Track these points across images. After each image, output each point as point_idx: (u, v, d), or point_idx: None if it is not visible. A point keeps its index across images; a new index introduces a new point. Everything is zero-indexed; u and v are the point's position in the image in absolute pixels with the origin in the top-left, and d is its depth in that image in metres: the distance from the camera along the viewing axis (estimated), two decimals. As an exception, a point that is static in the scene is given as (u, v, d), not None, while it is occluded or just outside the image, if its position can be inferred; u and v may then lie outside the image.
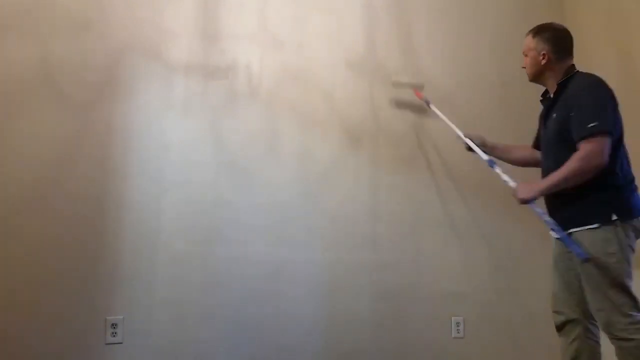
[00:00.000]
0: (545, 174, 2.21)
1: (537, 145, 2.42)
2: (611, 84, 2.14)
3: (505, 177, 2.33)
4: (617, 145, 2.08)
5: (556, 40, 2.22)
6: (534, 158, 2.42)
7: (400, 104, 3.01)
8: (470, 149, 2.58)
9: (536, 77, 2.28)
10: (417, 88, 3.01)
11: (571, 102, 2.10)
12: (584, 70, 2.23)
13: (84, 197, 2.47)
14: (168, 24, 2.70)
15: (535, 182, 2.19)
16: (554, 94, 2.21)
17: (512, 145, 2.60)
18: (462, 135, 2.63)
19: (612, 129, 2.03)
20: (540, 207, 2.20)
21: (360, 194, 2.90)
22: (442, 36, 3.19)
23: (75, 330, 2.39)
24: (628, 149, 2.16)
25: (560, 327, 2.20)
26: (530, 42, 2.26)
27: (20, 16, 2.47)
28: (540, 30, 2.25)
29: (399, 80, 3.01)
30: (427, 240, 2.97)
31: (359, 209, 2.89)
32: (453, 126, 2.73)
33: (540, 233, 3.11)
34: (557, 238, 2.15)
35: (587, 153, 2.00)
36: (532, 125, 3.14)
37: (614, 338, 2.00)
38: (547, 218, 2.13)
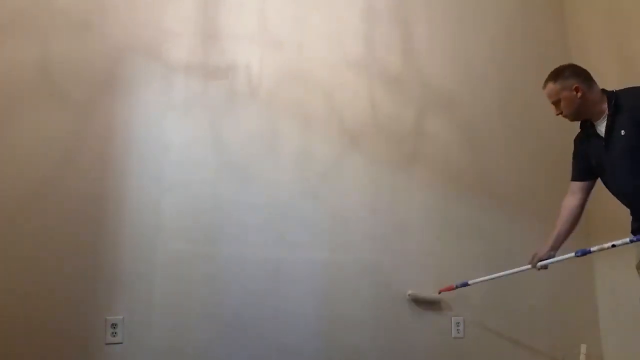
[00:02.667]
0: (628, 190, 2.19)
1: (584, 176, 2.37)
2: (611, 84, 2.15)
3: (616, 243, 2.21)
4: None
5: (577, 72, 2.25)
6: (575, 215, 2.40)
7: (401, 104, 3.01)
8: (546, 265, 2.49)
9: (579, 113, 2.26)
10: (441, 290, 2.87)
11: None
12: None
13: (84, 197, 2.46)
14: (168, 24, 2.70)
15: None
16: (610, 115, 2.17)
17: (560, 226, 2.45)
18: (535, 266, 2.50)
19: None
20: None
21: (360, 194, 2.90)
22: (442, 36, 3.19)
23: (75, 330, 2.39)
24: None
25: None
26: (553, 88, 2.25)
27: (20, 16, 2.47)
28: (557, 74, 2.27)
29: (416, 294, 2.88)
30: (427, 240, 2.97)
31: (358, 208, 2.88)
32: (517, 270, 2.61)
33: (539, 233, 3.13)
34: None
35: None
36: (531, 125, 3.18)
37: None
38: None
